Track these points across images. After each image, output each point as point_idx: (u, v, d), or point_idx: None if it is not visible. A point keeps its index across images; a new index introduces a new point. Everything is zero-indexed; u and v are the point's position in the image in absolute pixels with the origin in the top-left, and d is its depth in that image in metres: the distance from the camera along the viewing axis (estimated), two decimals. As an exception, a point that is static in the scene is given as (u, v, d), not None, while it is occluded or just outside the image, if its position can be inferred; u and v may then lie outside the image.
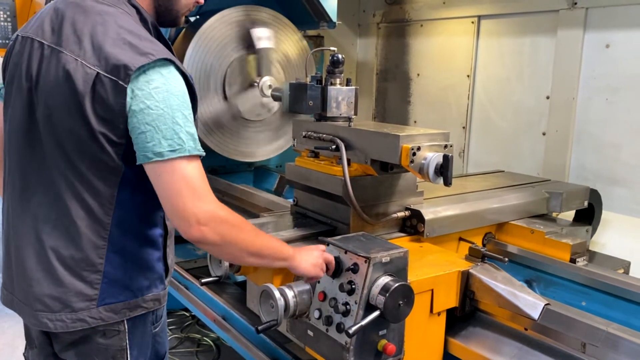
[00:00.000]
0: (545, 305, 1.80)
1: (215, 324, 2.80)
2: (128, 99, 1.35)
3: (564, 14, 3.48)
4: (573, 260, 2.28)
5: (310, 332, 1.85)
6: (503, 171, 3.36)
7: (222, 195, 3.58)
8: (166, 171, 1.36)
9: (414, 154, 1.95)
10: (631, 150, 3.28)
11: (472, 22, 4.11)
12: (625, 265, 2.51)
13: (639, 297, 2.01)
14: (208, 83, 3.51)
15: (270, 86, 3.54)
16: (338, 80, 2.34)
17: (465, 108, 4.21)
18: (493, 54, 4.03)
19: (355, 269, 1.73)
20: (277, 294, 1.80)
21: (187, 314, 3.87)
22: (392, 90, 4.94)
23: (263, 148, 3.85)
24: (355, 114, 2.36)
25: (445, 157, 1.93)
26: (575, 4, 3.41)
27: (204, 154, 1.44)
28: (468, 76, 4.17)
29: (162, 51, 1.40)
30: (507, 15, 3.88)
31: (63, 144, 1.42)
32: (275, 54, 3.65)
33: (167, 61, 1.40)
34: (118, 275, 1.50)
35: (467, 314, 2.01)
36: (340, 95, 2.33)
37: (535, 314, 1.79)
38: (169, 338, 3.00)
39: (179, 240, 3.83)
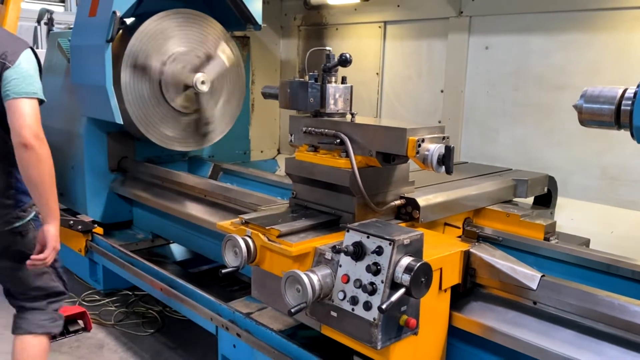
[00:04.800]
0: (542, 276, 2.04)
1: (162, 292, 3.23)
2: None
3: (453, 21, 4.14)
4: (547, 239, 2.56)
5: (333, 313, 1.98)
6: (467, 162, 3.64)
7: (162, 182, 3.91)
8: (17, 104, 2.34)
9: (419, 145, 2.13)
10: (506, 133, 3.96)
11: (380, 27, 4.70)
12: (586, 242, 2.84)
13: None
14: (145, 87, 3.80)
15: (203, 82, 3.88)
16: (334, 78, 2.48)
17: (376, 102, 4.80)
18: (397, 54, 4.64)
19: (380, 251, 1.88)
20: (305, 278, 1.92)
21: (131, 293, 4.22)
22: (314, 87, 5.39)
23: (200, 138, 4.19)
24: (350, 109, 2.52)
25: (447, 148, 2.12)
26: (462, 12, 4.07)
27: (45, 100, 2.46)
28: (377, 74, 4.75)
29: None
30: (408, 21, 4.51)
31: None
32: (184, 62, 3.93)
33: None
34: (21, 189, 2.54)
35: (467, 290, 2.22)
36: (337, 93, 2.47)
37: (534, 284, 2.03)
38: (115, 313, 3.94)
39: (122, 226, 4.22)
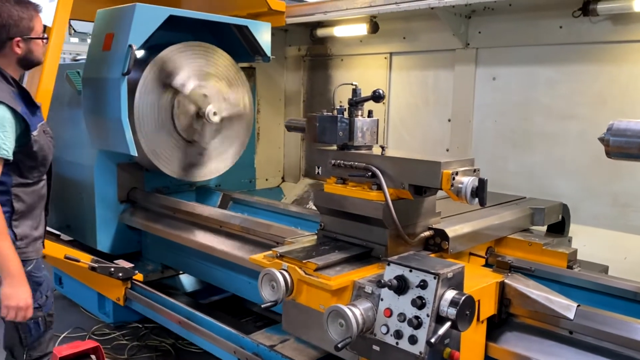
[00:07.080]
0: (578, 306, 2.08)
1: (180, 325, 3.19)
2: None
3: (460, 52, 4.25)
4: (570, 267, 2.60)
5: (376, 347, 1.99)
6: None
7: (174, 212, 3.90)
8: None
9: (454, 178, 2.18)
10: (514, 161, 4.03)
11: (385, 58, 4.81)
12: (605, 269, 2.89)
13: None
14: (158, 118, 3.86)
15: (215, 113, 3.97)
16: (360, 112, 2.53)
17: (383, 130, 4.85)
18: (403, 84, 4.74)
19: (424, 285, 1.90)
20: (349, 312, 1.93)
21: (141, 326, 4.11)
22: (319, 116, 5.44)
23: (207, 169, 4.23)
24: (377, 142, 2.56)
25: (481, 181, 2.17)
26: (468, 44, 4.18)
27: (10, 158, 2.32)
28: (383, 103, 4.81)
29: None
30: (413, 52, 4.62)
31: None
32: (204, 89, 4.01)
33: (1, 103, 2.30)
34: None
35: (501, 321, 2.25)
36: (365, 126, 2.52)
37: (570, 314, 2.06)
38: (128, 347, 3.84)
39: (130, 257, 4.15)
